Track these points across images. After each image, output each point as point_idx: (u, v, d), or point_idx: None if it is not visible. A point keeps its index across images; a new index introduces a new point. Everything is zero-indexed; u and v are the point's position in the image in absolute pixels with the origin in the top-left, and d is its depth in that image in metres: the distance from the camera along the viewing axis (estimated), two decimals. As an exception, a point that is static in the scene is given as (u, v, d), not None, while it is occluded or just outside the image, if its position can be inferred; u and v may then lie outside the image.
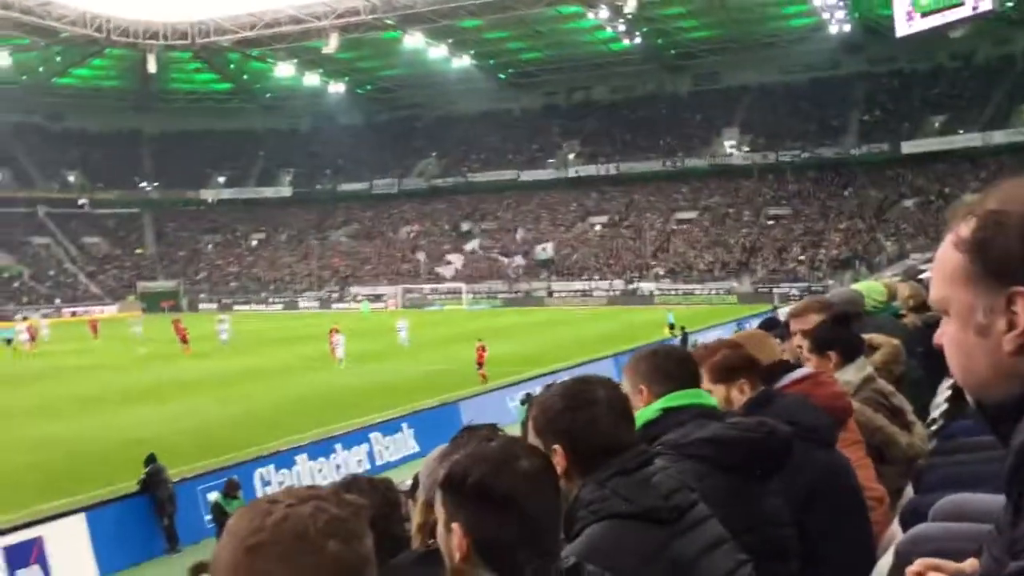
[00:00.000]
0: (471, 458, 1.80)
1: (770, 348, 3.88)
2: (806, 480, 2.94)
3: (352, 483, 2.60)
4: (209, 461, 18.90)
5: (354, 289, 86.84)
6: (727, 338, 4.09)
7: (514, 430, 16.56)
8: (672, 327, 43.31)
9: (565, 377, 2.48)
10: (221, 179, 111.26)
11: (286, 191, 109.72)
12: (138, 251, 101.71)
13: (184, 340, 44.38)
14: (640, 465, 2.23)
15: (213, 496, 15.91)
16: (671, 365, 2.87)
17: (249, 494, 16.27)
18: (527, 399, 20.83)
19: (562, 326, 53.34)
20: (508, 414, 23.11)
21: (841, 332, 4.17)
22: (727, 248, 78.32)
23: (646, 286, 75.80)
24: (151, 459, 16.20)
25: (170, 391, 30.39)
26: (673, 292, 73.82)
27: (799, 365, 3.79)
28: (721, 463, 2.58)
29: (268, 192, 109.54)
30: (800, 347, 4.26)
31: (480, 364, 31.95)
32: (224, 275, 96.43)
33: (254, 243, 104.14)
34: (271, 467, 18.04)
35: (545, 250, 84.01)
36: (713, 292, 72.61)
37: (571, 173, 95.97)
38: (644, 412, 2.70)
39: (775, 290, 68.75)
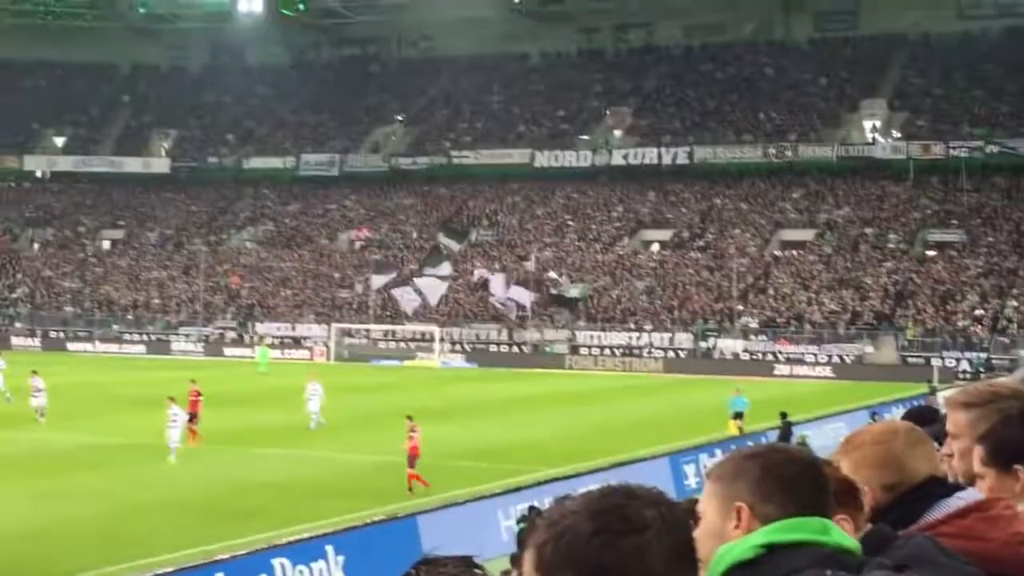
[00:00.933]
0: None
1: (924, 454, 3.87)
2: None
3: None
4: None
5: (263, 327, 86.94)
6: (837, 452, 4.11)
7: (499, 566, 16.54)
8: (738, 418, 42.29)
9: (592, 485, 2.47)
10: (58, 141, 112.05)
11: (161, 165, 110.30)
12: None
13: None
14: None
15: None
16: (796, 473, 2.83)
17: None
18: (529, 515, 20.82)
19: (591, 402, 53.12)
20: (497, 537, 22.97)
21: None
22: (861, 291, 78.50)
23: (728, 344, 75.87)
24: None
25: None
26: (770, 356, 73.85)
27: (959, 486, 3.77)
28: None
29: (132, 165, 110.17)
30: (961, 456, 4.23)
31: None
32: (55, 292, 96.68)
33: (106, 245, 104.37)
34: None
35: (570, 281, 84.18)
36: (835, 359, 72.64)
37: (616, 159, 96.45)
38: (733, 549, 2.68)
39: (934, 361, 68.71)
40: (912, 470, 3.63)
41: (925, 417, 7.00)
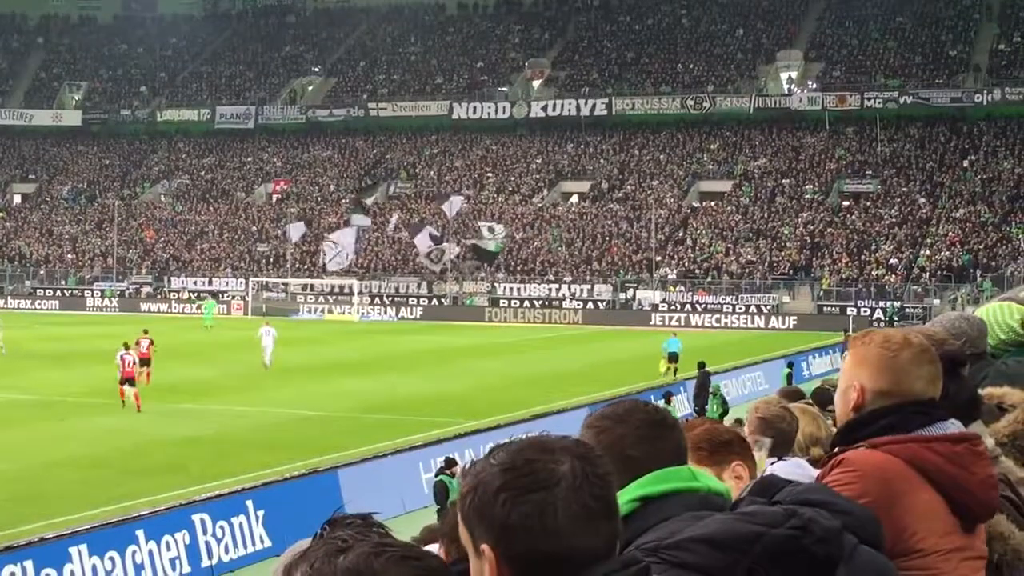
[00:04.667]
0: None
1: (928, 374, 3.88)
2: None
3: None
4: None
5: (178, 281, 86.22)
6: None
7: (422, 519, 16.62)
8: (674, 360, 43.30)
9: (513, 436, 2.47)
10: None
11: (72, 117, 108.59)
12: None
13: None
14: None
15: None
16: (648, 431, 2.93)
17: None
18: (446, 467, 21.04)
19: (511, 354, 53.37)
20: (418, 490, 23.16)
21: (949, 383, 4.20)
22: (778, 241, 79.34)
23: (647, 295, 76.39)
24: None
25: None
26: (688, 307, 74.48)
27: (932, 404, 3.82)
28: (723, 574, 2.57)
29: (43, 117, 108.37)
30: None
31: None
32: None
33: (16, 199, 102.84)
34: (28, 563, 17.77)
35: (491, 232, 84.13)
36: (753, 310, 73.42)
37: (535, 111, 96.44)
38: None
39: (849, 310, 69.77)
40: (909, 385, 3.64)
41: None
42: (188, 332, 63.04)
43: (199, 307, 76.09)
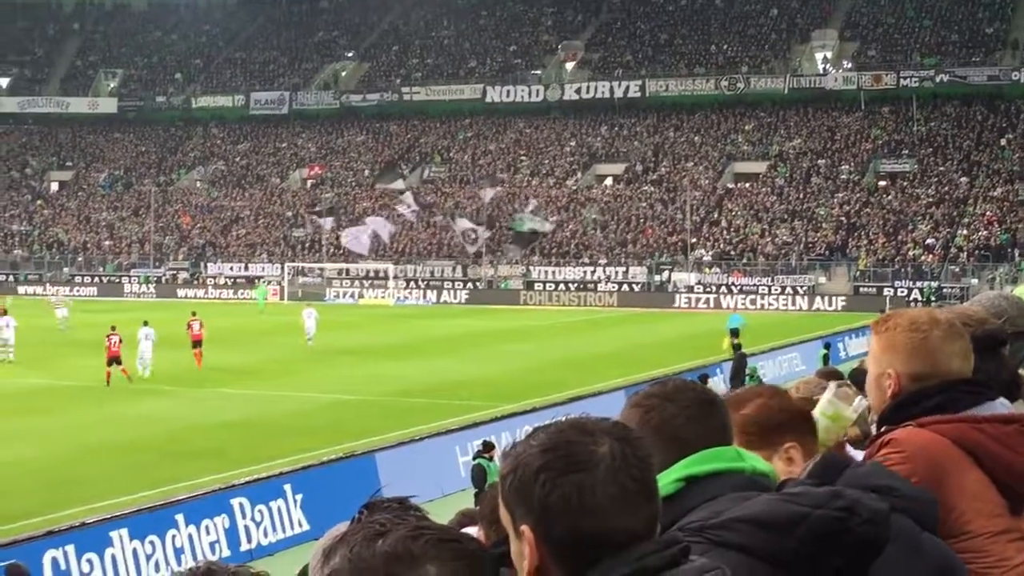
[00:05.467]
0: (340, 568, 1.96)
1: (959, 351, 3.82)
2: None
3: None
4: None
5: (215, 267, 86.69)
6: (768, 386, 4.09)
7: (458, 502, 16.64)
8: (736, 335, 43.57)
9: (549, 420, 2.48)
10: (2, 81, 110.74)
11: (108, 104, 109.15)
12: None
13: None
14: (666, 565, 2.22)
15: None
16: (696, 410, 2.91)
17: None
18: (484, 450, 21.03)
19: (546, 337, 53.39)
20: (455, 473, 23.23)
21: (990, 362, 4.16)
22: (813, 222, 79.00)
23: (682, 277, 76.26)
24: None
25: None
26: (724, 289, 74.31)
27: (983, 383, 3.76)
28: (769, 555, 2.59)
29: (79, 105, 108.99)
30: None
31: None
32: (3, 235, 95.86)
33: (53, 186, 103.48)
34: (70, 548, 17.95)
35: (525, 216, 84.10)
36: (789, 291, 73.17)
37: (569, 94, 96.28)
38: None
39: (886, 291, 69.41)
40: (945, 365, 3.59)
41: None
42: (225, 317, 63.30)
43: (250, 293, 77.29)
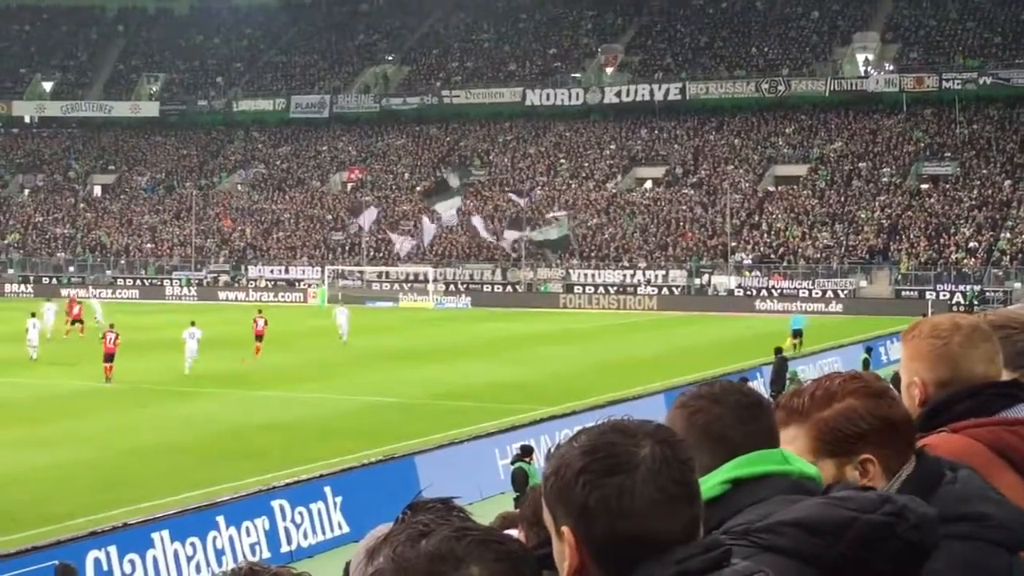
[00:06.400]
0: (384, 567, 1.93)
1: (984, 354, 3.77)
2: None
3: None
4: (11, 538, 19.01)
5: (255, 270, 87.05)
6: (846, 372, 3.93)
7: (498, 505, 16.66)
8: (797, 336, 43.66)
9: (588, 423, 2.49)
10: (46, 85, 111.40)
11: (150, 108, 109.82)
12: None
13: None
14: (707, 568, 2.21)
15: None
16: (744, 412, 2.89)
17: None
18: (523, 455, 21.03)
19: (586, 340, 53.39)
20: (494, 476, 23.26)
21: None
22: (854, 225, 78.57)
23: (722, 281, 76.01)
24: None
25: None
26: (765, 293, 74.00)
27: (1016, 385, 3.72)
28: (816, 559, 2.57)
29: (122, 109, 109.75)
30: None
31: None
32: (46, 239, 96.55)
33: (96, 190, 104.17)
34: (112, 548, 18.08)
35: (558, 220, 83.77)
36: (830, 294, 72.79)
37: (609, 97, 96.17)
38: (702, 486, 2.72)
39: (928, 294, 68.94)
40: (967, 370, 3.55)
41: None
42: (308, 319, 63.60)
43: (313, 292, 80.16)
